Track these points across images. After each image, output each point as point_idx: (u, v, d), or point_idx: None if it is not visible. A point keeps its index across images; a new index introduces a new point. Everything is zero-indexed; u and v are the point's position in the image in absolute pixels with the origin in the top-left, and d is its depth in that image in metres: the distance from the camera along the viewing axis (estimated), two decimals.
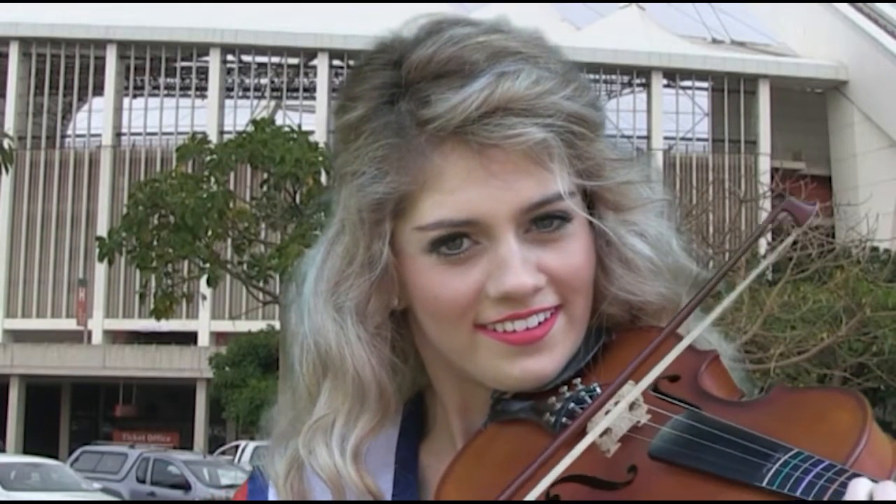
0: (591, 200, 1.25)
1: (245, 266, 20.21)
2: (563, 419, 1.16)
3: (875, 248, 31.26)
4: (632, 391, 1.15)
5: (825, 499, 0.99)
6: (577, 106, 1.20)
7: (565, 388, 1.20)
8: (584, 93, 1.23)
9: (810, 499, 0.99)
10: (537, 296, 1.19)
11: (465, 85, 1.16)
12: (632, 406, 1.14)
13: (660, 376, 1.16)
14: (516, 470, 1.12)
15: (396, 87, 1.21)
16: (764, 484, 1.02)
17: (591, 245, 1.23)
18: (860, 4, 65.99)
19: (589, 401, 1.16)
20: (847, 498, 0.97)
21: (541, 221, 1.19)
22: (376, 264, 1.23)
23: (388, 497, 1.26)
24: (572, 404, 1.17)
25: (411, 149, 1.19)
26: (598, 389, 1.18)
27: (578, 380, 1.21)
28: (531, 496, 1.09)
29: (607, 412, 1.14)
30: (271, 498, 1.30)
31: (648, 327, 1.26)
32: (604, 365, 1.22)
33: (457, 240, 1.19)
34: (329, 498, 1.25)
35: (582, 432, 1.13)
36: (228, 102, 65.45)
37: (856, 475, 0.99)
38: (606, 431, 1.13)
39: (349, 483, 1.24)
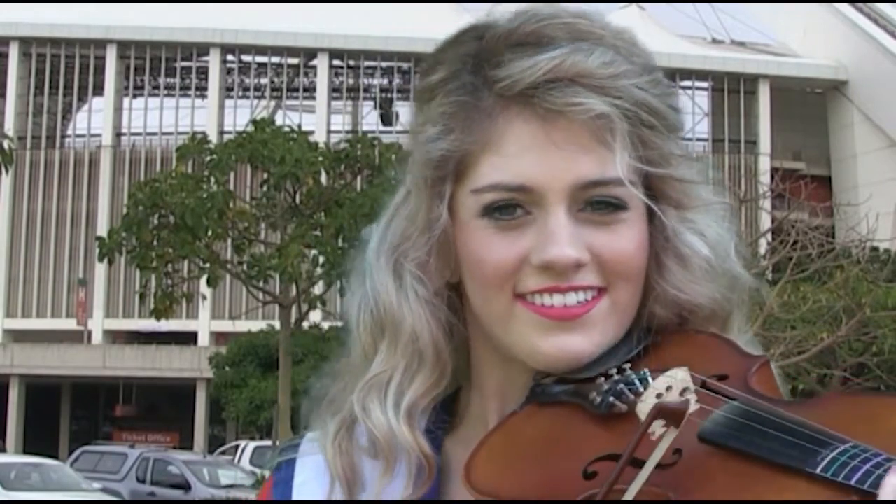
0: (653, 196, 1.23)
1: (245, 266, 20.23)
2: (611, 399, 1.12)
3: (875, 248, 31.27)
4: (684, 377, 1.12)
5: (882, 489, 0.96)
6: (648, 96, 1.21)
7: (614, 371, 1.17)
8: (660, 87, 1.23)
9: (865, 488, 0.96)
10: (580, 273, 1.18)
11: (539, 53, 1.18)
12: (682, 392, 1.12)
13: (710, 374, 1.13)
14: (554, 447, 1.12)
15: (477, 56, 1.22)
16: (818, 471, 0.99)
17: (646, 237, 1.23)
18: (860, 5, 66.02)
19: (638, 384, 1.13)
20: None
21: (596, 204, 1.19)
22: (435, 226, 1.23)
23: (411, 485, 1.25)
24: (621, 385, 1.13)
25: (479, 109, 1.21)
26: (649, 376, 1.14)
27: (628, 365, 1.18)
28: (629, 495, 1.05)
29: (658, 395, 1.12)
30: (301, 479, 1.30)
31: (696, 330, 1.24)
32: (650, 361, 1.19)
33: (510, 208, 1.19)
34: (373, 462, 1.24)
35: (632, 414, 1.11)
36: (228, 102, 65.48)
37: None
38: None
39: (402, 441, 1.23)
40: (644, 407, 1.10)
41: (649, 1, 70.32)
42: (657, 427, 1.06)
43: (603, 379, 1.16)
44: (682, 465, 1.06)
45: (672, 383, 1.12)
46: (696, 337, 1.22)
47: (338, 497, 1.25)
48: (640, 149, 1.20)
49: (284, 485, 1.31)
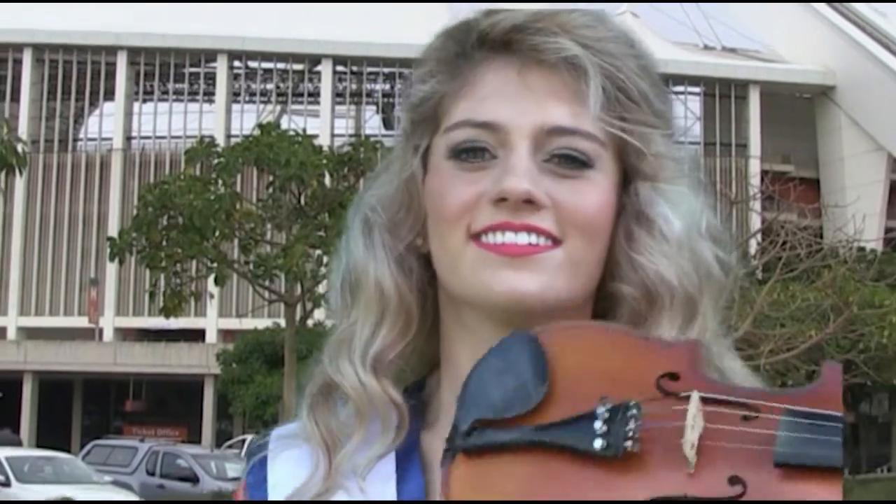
0: (627, 168, 1.19)
1: (251, 266, 20.22)
2: (626, 444, 0.98)
3: (862, 249, 31.24)
4: (694, 400, 0.99)
5: None
6: (631, 68, 1.17)
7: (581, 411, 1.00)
8: (646, 63, 1.20)
9: None
10: (535, 215, 1.13)
11: (525, 8, 1.18)
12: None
13: (659, 376, 1.02)
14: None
15: (471, 19, 1.21)
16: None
17: (611, 202, 1.17)
18: (847, 13, 66.01)
19: (632, 422, 0.99)
20: None
21: (561, 158, 1.15)
22: (407, 179, 1.20)
23: (394, 482, 1.18)
24: (629, 424, 0.99)
25: (464, 56, 1.19)
26: (635, 409, 1.00)
27: (603, 401, 1.01)
28: None
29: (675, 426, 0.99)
30: (273, 481, 1.23)
31: (577, 324, 1.12)
32: (566, 382, 1.03)
33: (476, 151, 1.15)
34: (349, 418, 1.19)
35: (641, 453, 0.98)
36: (235, 107, 65.46)
37: None
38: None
39: (371, 391, 1.18)
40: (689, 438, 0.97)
41: (642, 1, 70.27)
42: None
43: (585, 419, 1.00)
44: (749, 493, 0.96)
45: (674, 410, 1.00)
46: (589, 332, 1.10)
47: (320, 476, 1.18)
48: (617, 111, 1.16)
49: (257, 488, 1.24)
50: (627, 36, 1.20)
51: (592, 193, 1.15)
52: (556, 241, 1.14)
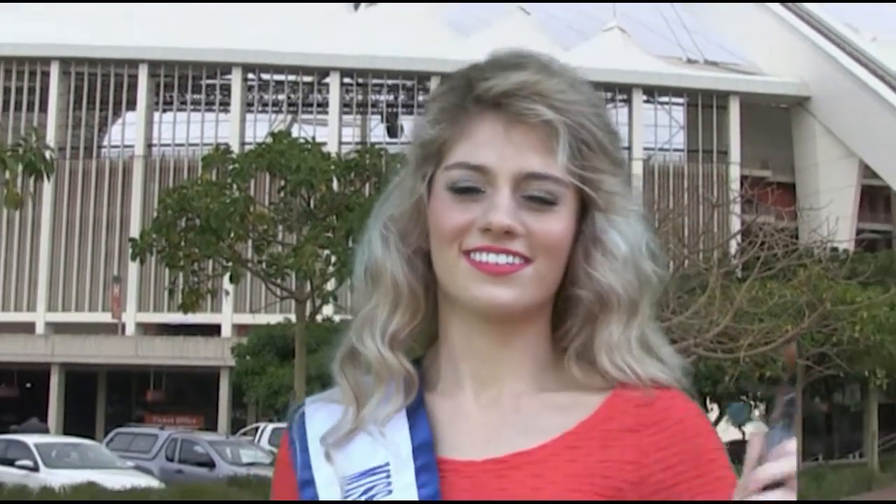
0: (586, 202, 1.41)
1: (264, 265, 20.19)
2: None
3: (835, 249, 31.24)
4: None
5: None
6: (591, 123, 1.40)
7: None
8: (604, 120, 1.42)
9: None
10: (513, 242, 1.36)
11: (513, 73, 1.39)
12: None
13: None
14: None
15: (469, 74, 1.43)
16: None
17: (570, 229, 1.40)
18: (822, 28, 66.01)
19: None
20: None
21: (533, 198, 1.37)
22: (416, 199, 1.43)
23: (406, 430, 1.41)
24: None
25: (463, 109, 1.41)
26: None
27: None
28: None
29: None
30: (312, 434, 1.45)
31: None
32: None
33: (470, 188, 1.37)
34: (370, 379, 1.43)
35: None
36: (249, 116, 65.49)
37: None
38: None
39: (388, 361, 1.42)
40: None
41: (618, 1, 70.27)
42: None
43: None
44: None
45: None
46: None
47: (350, 418, 1.42)
48: (579, 160, 1.38)
49: (299, 439, 1.47)
50: (592, 96, 1.42)
51: (556, 224, 1.38)
52: (527, 260, 1.37)
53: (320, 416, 1.46)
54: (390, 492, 1.38)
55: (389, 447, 1.40)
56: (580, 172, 1.38)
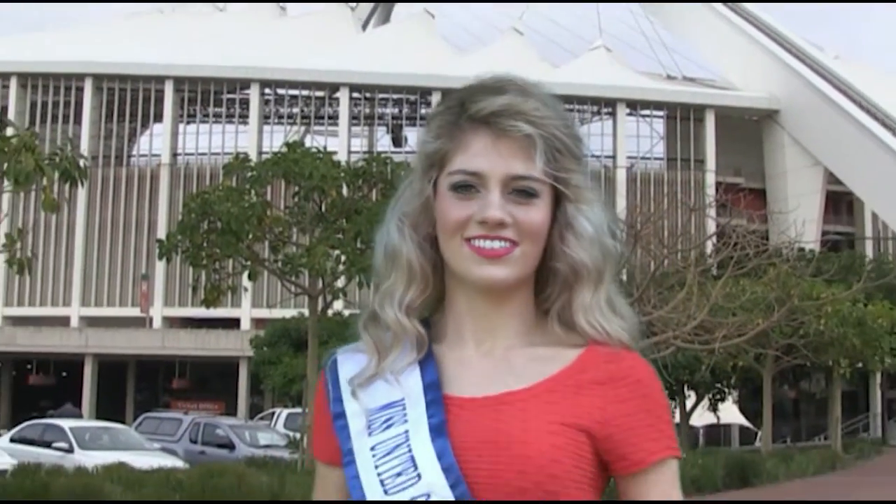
0: (559, 195, 1.62)
1: (279, 263, 20.16)
2: None
3: (802, 249, 31.27)
4: None
5: None
6: (561, 133, 1.61)
7: None
8: (571, 130, 1.63)
9: None
10: (503, 230, 1.57)
11: (497, 96, 1.60)
12: None
13: None
14: None
15: (462, 97, 1.64)
16: None
17: (548, 217, 1.61)
18: (790, 47, 66.00)
19: None
20: None
21: (518, 192, 1.58)
22: (424, 197, 1.64)
23: (418, 373, 1.61)
24: None
25: (459, 127, 1.62)
26: None
27: None
28: None
29: None
30: (343, 373, 1.66)
31: None
32: None
33: (467, 188, 1.59)
34: (388, 337, 1.63)
35: None
36: (266, 128, 65.49)
37: None
38: None
39: (404, 325, 1.63)
40: None
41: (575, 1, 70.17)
42: None
43: None
44: None
45: None
46: None
47: (373, 366, 1.63)
48: (553, 163, 1.60)
49: (333, 378, 1.67)
50: (561, 111, 1.63)
51: (537, 214, 1.60)
52: (514, 244, 1.58)
53: (349, 363, 1.67)
54: (406, 421, 1.59)
55: (404, 388, 1.61)
56: (554, 173, 1.60)
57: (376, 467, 1.57)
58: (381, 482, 1.56)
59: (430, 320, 1.66)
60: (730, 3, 69.23)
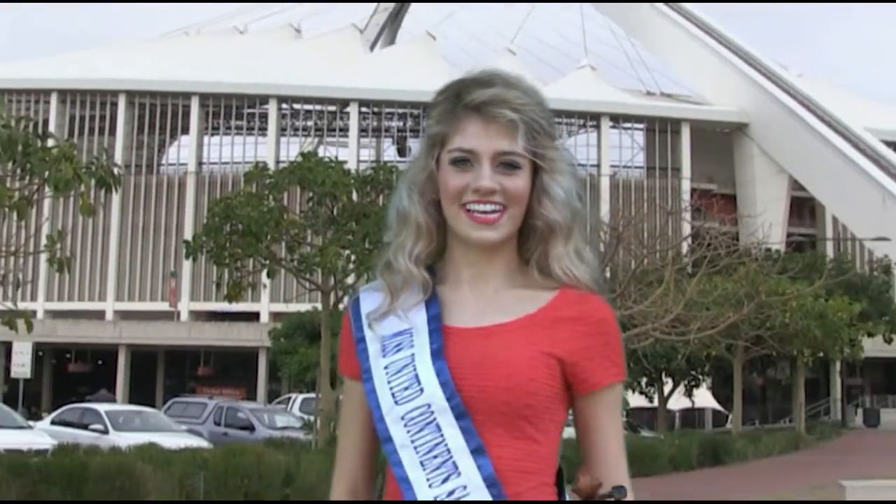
0: (537, 167, 1.78)
1: (295, 262, 20.15)
2: None
3: (769, 249, 31.29)
4: None
5: None
6: (538, 117, 1.78)
7: None
8: (545, 113, 1.80)
9: None
10: (494, 196, 1.75)
11: (487, 88, 1.78)
12: None
13: None
14: None
15: (458, 89, 1.81)
16: None
17: (529, 184, 1.78)
18: (758, 66, 65.96)
19: None
20: None
21: (504, 165, 1.76)
22: (428, 169, 1.81)
23: (423, 308, 1.77)
24: None
25: (455, 114, 1.80)
26: None
27: None
28: None
29: None
30: (364, 308, 1.83)
31: None
32: None
33: (463, 162, 1.77)
34: (398, 282, 1.79)
35: None
36: (283, 139, 65.48)
37: None
38: None
39: (414, 273, 1.80)
40: None
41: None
42: None
43: None
44: None
45: None
46: None
47: (386, 304, 1.80)
48: (532, 142, 1.77)
49: (356, 312, 1.84)
50: (538, 97, 1.80)
51: (520, 182, 1.77)
52: (504, 208, 1.76)
53: (368, 299, 1.83)
54: (412, 346, 1.76)
55: (412, 320, 1.78)
56: (533, 149, 1.77)
57: (389, 382, 1.75)
58: (392, 395, 1.74)
59: (434, 267, 1.82)
60: (703, 26, 69.25)
